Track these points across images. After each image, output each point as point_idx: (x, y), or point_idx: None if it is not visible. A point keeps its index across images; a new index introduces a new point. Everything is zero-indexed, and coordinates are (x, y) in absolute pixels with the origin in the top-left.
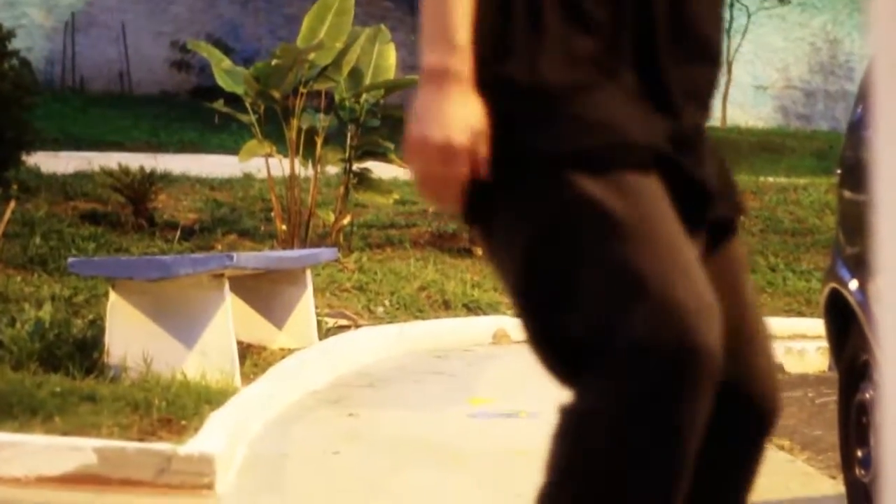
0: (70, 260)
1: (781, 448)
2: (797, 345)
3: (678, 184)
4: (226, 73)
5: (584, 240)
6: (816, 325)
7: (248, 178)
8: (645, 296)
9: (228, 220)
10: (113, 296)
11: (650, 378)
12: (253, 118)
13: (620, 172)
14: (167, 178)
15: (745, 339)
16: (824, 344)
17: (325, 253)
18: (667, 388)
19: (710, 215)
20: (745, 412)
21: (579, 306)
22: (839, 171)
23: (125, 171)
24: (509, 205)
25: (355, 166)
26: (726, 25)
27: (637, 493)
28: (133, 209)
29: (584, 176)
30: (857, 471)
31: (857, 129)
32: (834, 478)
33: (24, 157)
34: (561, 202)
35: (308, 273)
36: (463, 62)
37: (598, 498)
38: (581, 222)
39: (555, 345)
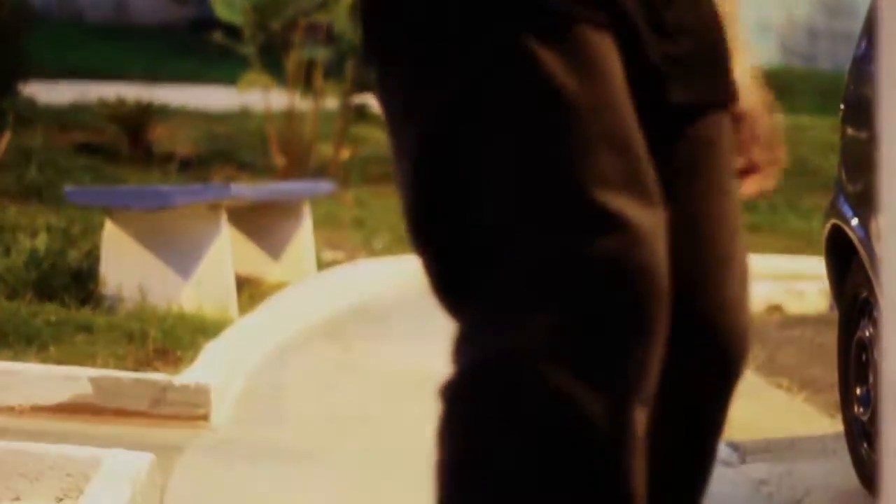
0: (67, 189)
1: (780, 387)
2: (797, 285)
3: (632, 51)
4: (224, 4)
5: (512, 113)
6: (817, 266)
7: (246, 110)
8: (575, 198)
9: (226, 152)
10: (109, 226)
11: (574, 309)
12: (252, 50)
13: (574, 31)
14: (165, 110)
15: (713, 261)
16: (824, 285)
17: (324, 186)
18: (605, 321)
19: (678, 96)
20: (706, 351)
21: (487, 204)
22: (842, 108)
23: (122, 102)
24: (416, 50)
25: (355, 100)
26: None
27: (578, 483)
28: (130, 141)
29: (525, 29)
30: (855, 408)
31: (861, 64)
32: (832, 416)
33: (20, 88)
34: (490, 58)
35: (306, 206)
36: None
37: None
38: (513, 90)
39: (447, 263)
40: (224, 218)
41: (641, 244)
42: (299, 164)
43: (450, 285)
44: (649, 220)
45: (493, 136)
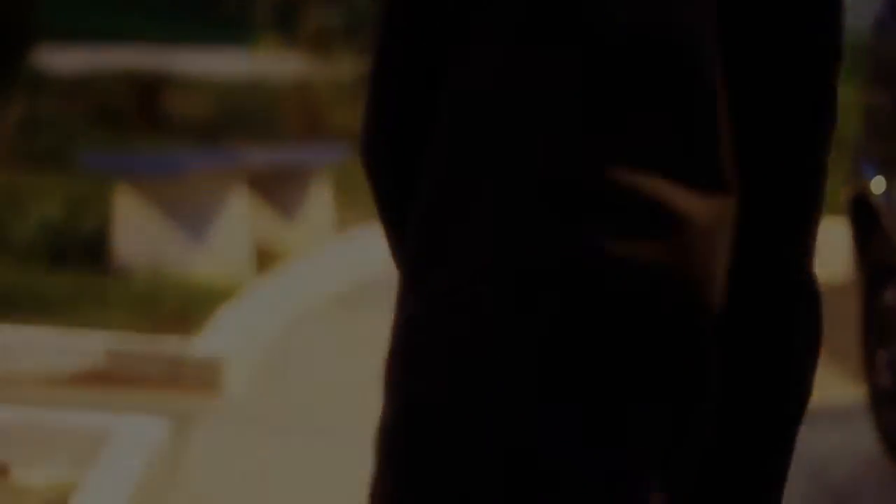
0: (82, 155)
1: None
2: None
3: None
4: None
5: (516, 20)
6: (835, 230)
7: (261, 76)
8: (586, 171)
9: (240, 118)
10: (123, 192)
11: (569, 338)
12: (266, 15)
13: None
14: (178, 77)
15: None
16: (845, 250)
17: (340, 151)
18: (619, 359)
19: None
20: (776, 290)
21: (444, 150)
22: (867, 69)
23: (135, 69)
24: None
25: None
26: None
27: None
28: (142, 108)
29: None
30: (878, 374)
31: (887, 22)
32: (854, 385)
33: (32, 54)
34: None
35: (323, 172)
36: None
37: None
38: None
39: (389, 227)
40: (239, 184)
41: (688, 248)
42: (315, 130)
43: (392, 254)
44: (707, 213)
45: (475, 56)
